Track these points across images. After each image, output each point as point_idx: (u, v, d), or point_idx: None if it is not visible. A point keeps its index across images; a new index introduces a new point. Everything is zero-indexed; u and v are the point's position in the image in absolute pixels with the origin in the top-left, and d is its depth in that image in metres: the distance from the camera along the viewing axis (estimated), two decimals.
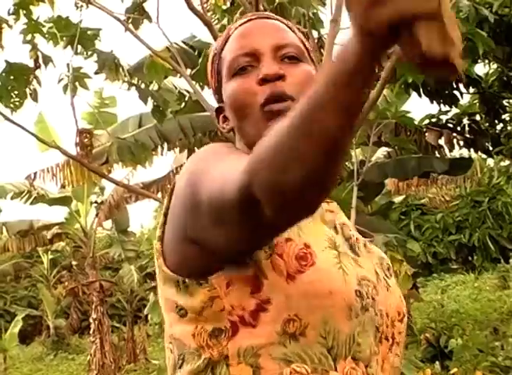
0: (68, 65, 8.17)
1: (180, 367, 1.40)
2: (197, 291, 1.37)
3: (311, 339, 1.34)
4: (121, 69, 8.81)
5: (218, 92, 1.58)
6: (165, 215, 1.44)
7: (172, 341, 1.41)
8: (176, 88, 10.01)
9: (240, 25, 1.56)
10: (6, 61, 8.18)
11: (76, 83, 8.19)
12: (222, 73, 1.54)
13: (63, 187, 15.05)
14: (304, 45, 1.57)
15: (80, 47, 8.19)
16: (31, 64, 8.33)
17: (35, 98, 8.41)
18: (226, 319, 1.35)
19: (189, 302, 1.37)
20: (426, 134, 12.37)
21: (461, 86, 11.93)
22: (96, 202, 18.15)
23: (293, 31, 1.58)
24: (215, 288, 1.36)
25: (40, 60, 8.31)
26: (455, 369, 9.00)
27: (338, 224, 1.52)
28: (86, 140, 9.21)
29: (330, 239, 1.43)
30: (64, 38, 8.09)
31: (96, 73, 8.57)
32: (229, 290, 1.35)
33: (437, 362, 9.87)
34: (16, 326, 21.28)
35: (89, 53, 8.35)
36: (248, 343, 1.34)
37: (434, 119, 12.94)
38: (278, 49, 1.50)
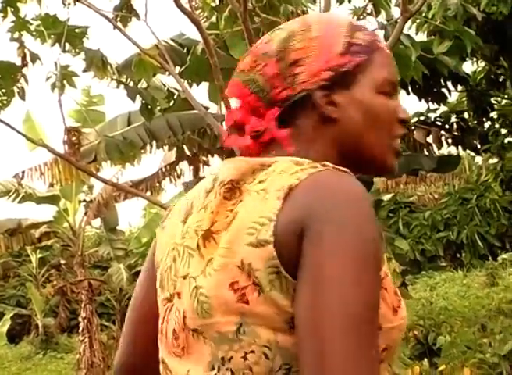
0: (55, 63, 8.15)
1: None
2: None
3: (386, 366, 1.36)
4: (109, 67, 8.79)
5: (340, 73, 1.47)
6: None
7: (272, 347, 1.30)
8: (164, 86, 9.99)
9: (383, 44, 1.56)
10: None
11: (64, 82, 8.17)
12: (366, 73, 1.48)
13: (51, 185, 15.03)
14: None
15: (67, 45, 8.16)
16: (19, 62, 8.30)
17: (22, 97, 8.39)
18: None
19: None
20: (414, 132, 12.39)
21: (449, 84, 11.96)
22: (84, 201, 18.13)
23: None
24: None
25: (28, 58, 8.29)
26: (443, 366, 9.04)
27: None
28: (74, 138, 9.20)
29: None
30: (51, 36, 8.07)
31: (84, 71, 8.55)
32: None
33: (425, 359, 9.89)
34: (4, 326, 21.25)
35: (77, 51, 8.33)
36: None
37: (422, 117, 12.97)
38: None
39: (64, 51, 8.15)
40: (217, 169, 1.46)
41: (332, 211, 1.26)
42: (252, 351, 1.29)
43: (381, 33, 8.60)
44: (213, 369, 1.31)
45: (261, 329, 1.28)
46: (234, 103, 1.55)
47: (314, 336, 1.18)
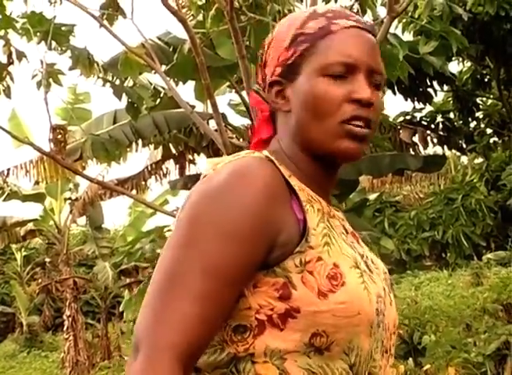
0: (41, 61, 8.12)
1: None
2: None
3: (334, 354, 1.38)
4: (95, 65, 8.77)
5: (286, 67, 1.53)
6: None
7: None
8: (150, 84, 9.98)
9: (346, 27, 1.52)
10: None
11: (50, 80, 8.14)
12: (308, 61, 1.50)
13: (37, 183, 14.97)
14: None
15: (53, 43, 8.14)
16: (4, 60, 8.27)
17: (8, 95, 8.36)
18: (253, 317, 1.37)
19: None
20: (400, 132, 12.42)
21: (435, 84, 11.99)
22: (70, 199, 18.06)
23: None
24: None
25: (14, 56, 8.26)
26: (428, 366, 9.05)
27: (349, 240, 1.53)
28: (59, 136, 9.16)
29: (353, 257, 1.45)
30: (38, 34, 8.04)
31: (70, 69, 8.53)
32: (256, 290, 1.38)
33: (410, 359, 9.91)
34: None
35: (63, 49, 8.30)
36: (275, 345, 1.36)
37: (408, 117, 13.00)
38: (372, 73, 1.50)
39: (50, 49, 8.13)
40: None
41: (192, 189, 1.46)
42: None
43: None
44: None
45: None
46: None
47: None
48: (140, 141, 12.17)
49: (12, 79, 8.31)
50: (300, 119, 1.50)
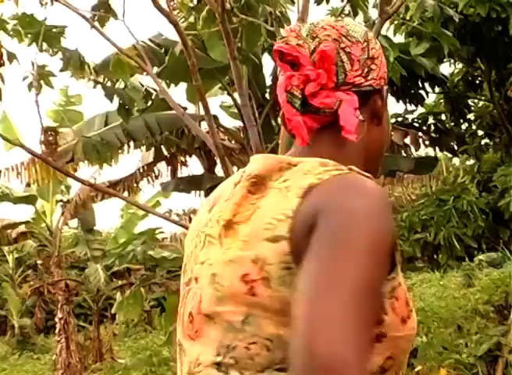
0: (32, 62, 8.10)
1: (280, 370, 1.32)
2: None
3: (391, 374, 1.39)
4: (86, 67, 8.76)
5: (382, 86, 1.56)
6: None
7: (274, 340, 1.33)
8: (142, 86, 9.97)
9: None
10: None
11: (41, 81, 8.12)
12: (383, 85, 1.57)
13: (28, 185, 14.95)
14: None
15: (45, 44, 8.12)
16: None
17: None
18: None
19: None
20: (392, 134, 12.43)
21: (427, 85, 12.01)
22: (62, 201, 18.02)
23: None
24: None
25: (5, 57, 8.23)
26: (420, 367, 9.05)
27: None
28: (51, 138, 9.16)
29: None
30: (29, 35, 8.03)
31: (61, 70, 8.52)
32: None
33: None
34: None
35: (54, 51, 8.29)
36: None
37: (400, 119, 13.02)
38: None
39: (41, 50, 8.11)
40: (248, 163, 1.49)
41: (344, 202, 1.30)
42: (254, 343, 1.33)
43: None
44: (219, 355, 1.36)
45: (265, 321, 1.33)
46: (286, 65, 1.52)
47: (312, 304, 1.20)
48: (131, 143, 12.16)
49: (2, 81, 8.28)
50: (383, 139, 1.58)
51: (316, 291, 1.20)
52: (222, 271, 1.38)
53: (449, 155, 15.22)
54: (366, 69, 1.51)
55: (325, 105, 1.46)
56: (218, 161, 10.42)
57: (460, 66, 12.61)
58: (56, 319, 17.30)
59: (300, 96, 1.46)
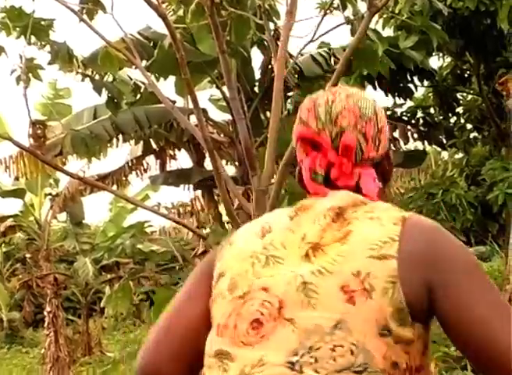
0: (20, 55, 8.06)
1: (357, 372, 1.52)
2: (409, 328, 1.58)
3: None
4: (75, 60, 8.73)
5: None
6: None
7: (359, 346, 1.53)
8: (131, 79, 9.95)
9: None
10: None
11: (30, 74, 8.08)
12: (389, 149, 1.89)
13: (17, 179, 14.91)
14: None
15: (33, 37, 8.08)
16: None
17: None
18: (405, 363, 1.58)
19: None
20: None
21: (416, 79, 12.02)
22: (50, 194, 17.98)
23: None
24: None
25: None
26: None
27: None
28: (39, 131, 9.12)
29: None
30: (17, 28, 7.98)
31: (49, 63, 8.48)
32: (417, 342, 1.60)
33: None
34: None
35: (42, 44, 8.25)
36: None
37: (389, 112, 13.02)
38: None
39: (29, 43, 8.07)
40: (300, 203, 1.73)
41: (457, 259, 1.62)
42: (341, 346, 1.52)
43: (347, 28, 8.62)
44: (296, 355, 1.52)
45: (356, 328, 1.52)
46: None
47: (488, 326, 1.54)
48: (120, 137, 12.14)
49: None
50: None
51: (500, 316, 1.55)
52: (316, 281, 1.56)
53: (438, 149, 15.26)
54: (377, 142, 1.77)
55: (347, 185, 1.72)
56: (207, 154, 10.42)
57: (448, 59, 12.62)
58: (45, 313, 17.27)
59: (323, 175, 1.73)
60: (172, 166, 13.74)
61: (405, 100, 12.42)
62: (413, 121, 13.04)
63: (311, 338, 1.52)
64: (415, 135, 13.00)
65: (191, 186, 13.05)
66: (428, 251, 1.58)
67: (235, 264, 1.68)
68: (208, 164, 12.59)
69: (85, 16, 7.81)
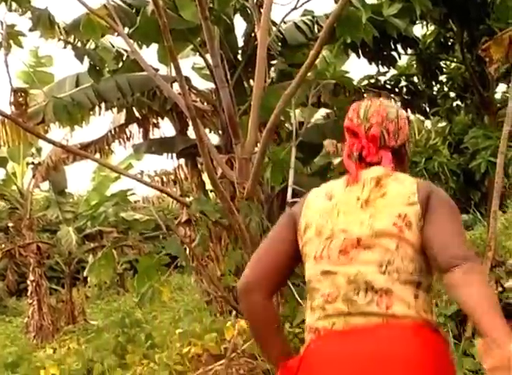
0: (1, 22, 7.99)
1: (415, 273, 2.59)
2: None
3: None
4: (57, 27, 8.66)
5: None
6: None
7: (414, 258, 2.56)
8: (113, 47, 9.88)
9: None
10: None
11: (11, 41, 8.02)
12: (406, 140, 2.88)
13: None
14: None
15: (14, 3, 8.01)
16: None
17: None
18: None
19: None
20: (365, 95, 12.42)
21: (399, 47, 11.98)
22: (33, 163, 17.91)
23: None
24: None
25: None
26: None
27: None
28: (21, 99, 9.06)
29: None
30: None
31: (30, 30, 8.41)
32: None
33: None
34: None
35: (23, 10, 8.17)
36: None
37: (372, 80, 13.00)
38: None
39: (10, 10, 8.00)
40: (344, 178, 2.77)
41: (442, 198, 2.62)
42: (405, 258, 2.53)
43: None
44: (381, 266, 2.51)
45: (408, 248, 2.53)
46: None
47: (449, 237, 2.49)
48: (103, 105, 12.07)
49: None
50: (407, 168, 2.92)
51: (452, 230, 2.52)
52: (376, 222, 2.54)
53: (421, 117, 15.26)
54: (396, 136, 2.76)
55: (372, 161, 2.70)
56: (190, 123, 10.38)
57: (432, 27, 12.56)
58: (28, 282, 17.30)
59: (356, 155, 2.71)
60: (155, 134, 13.70)
61: (388, 68, 12.38)
62: (396, 89, 13.02)
63: (387, 255, 2.51)
64: (399, 103, 12.98)
65: (174, 154, 13.01)
66: (429, 197, 2.58)
67: (317, 218, 2.64)
68: (191, 132, 12.56)
69: None
